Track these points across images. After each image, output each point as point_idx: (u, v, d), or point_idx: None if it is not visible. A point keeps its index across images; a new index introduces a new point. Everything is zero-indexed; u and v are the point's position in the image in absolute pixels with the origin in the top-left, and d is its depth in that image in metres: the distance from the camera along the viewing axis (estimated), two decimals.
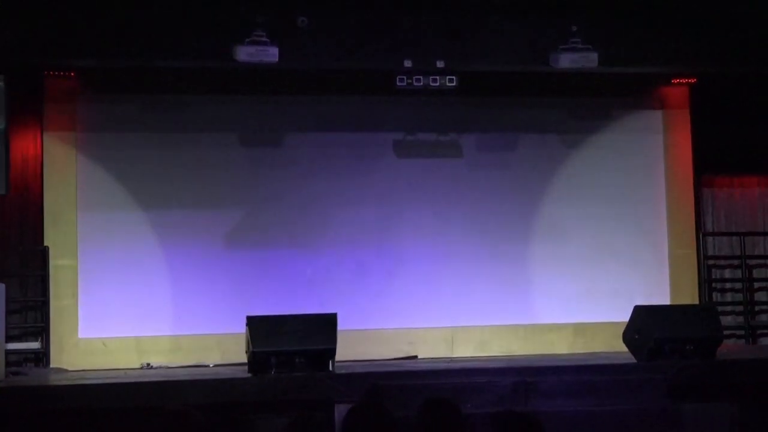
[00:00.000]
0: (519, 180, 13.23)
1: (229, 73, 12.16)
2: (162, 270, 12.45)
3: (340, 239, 12.82)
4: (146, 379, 10.07)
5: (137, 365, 12.01)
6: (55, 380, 10.67)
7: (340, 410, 8.71)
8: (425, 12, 11.88)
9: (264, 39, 11.23)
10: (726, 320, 13.03)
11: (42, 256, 12.14)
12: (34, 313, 12.21)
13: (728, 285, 13.80)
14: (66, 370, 11.74)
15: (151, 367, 11.92)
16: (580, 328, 13.08)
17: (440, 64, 11.93)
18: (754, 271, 13.80)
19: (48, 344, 12.02)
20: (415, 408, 5.48)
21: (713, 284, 13.68)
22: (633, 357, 10.70)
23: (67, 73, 12.20)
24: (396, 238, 12.95)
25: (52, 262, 12.12)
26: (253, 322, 10.14)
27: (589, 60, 11.78)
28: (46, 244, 12.14)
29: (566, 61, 11.80)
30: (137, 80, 12.36)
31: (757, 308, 13.83)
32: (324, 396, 9.29)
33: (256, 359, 9.98)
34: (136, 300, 12.26)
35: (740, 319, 13.65)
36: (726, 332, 12.14)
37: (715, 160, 13.49)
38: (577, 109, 13.48)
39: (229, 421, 8.86)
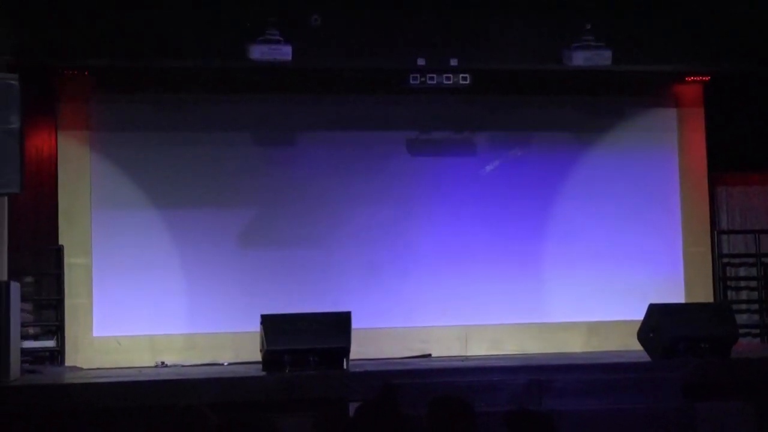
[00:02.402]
0: (532, 178, 13.20)
1: (242, 72, 12.17)
2: (176, 268, 12.47)
3: (354, 238, 12.83)
4: (160, 378, 10.09)
5: (152, 364, 12.03)
6: (70, 379, 10.70)
7: (354, 408, 8.71)
8: (438, 10, 11.87)
9: (277, 38, 11.25)
10: (741, 318, 12.99)
11: (56, 255, 12.17)
12: (48, 311, 12.24)
13: (743, 283, 13.76)
14: (81, 369, 11.78)
15: (166, 366, 11.95)
16: (593, 327, 13.06)
17: (453, 62, 11.93)
18: None
19: (63, 343, 12.06)
20: (428, 406, 5.48)
21: (728, 282, 13.64)
22: (647, 355, 10.68)
23: (80, 73, 12.23)
24: (409, 237, 12.95)
25: (67, 261, 12.16)
26: (267, 320, 10.16)
27: (603, 58, 11.76)
28: (60, 242, 12.18)
29: (580, 59, 11.78)
30: (150, 79, 12.38)
31: None
32: (338, 394, 9.29)
33: (270, 358, 9.99)
34: (150, 298, 12.29)
35: (755, 317, 13.61)
36: (741, 330, 12.12)
37: (729, 158, 13.45)
38: (590, 108, 13.45)
39: (243, 420, 8.86)
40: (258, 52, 11.22)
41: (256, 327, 10.30)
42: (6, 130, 9.67)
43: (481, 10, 11.94)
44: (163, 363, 12.03)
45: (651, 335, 10.67)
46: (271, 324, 10.13)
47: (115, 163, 12.44)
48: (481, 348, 12.77)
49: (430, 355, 12.59)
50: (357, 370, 10.07)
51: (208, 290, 12.44)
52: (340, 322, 10.16)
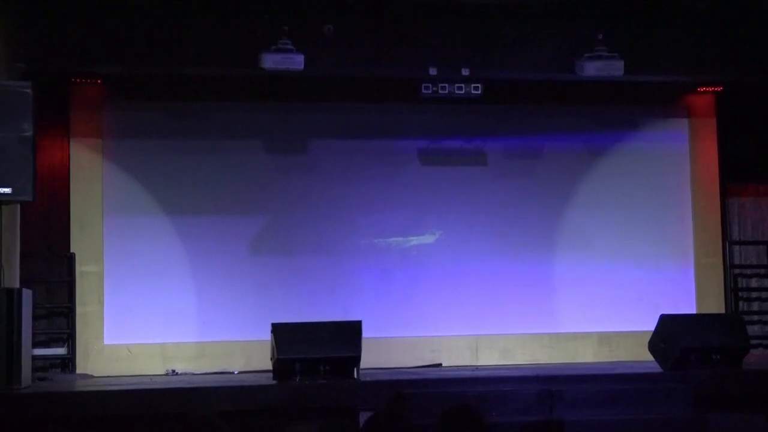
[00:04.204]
0: (544, 188, 13.19)
1: (254, 80, 12.20)
2: (187, 276, 12.48)
3: (365, 246, 12.83)
4: (171, 386, 10.09)
5: (162, 372, 12.05)
6: (81, 386, 10.71)
7: (365, 418, 8.70)
8: (450, 20, 11.88)
9: (290, 47, 11.27)
10: (752, 329, 12.95)
11: (68, 263, 12.19)
12: (60, 319, 12.26)
13: (755, 294, 13.73)
14: (91, 377, 11.79)
15: (176, 374, 11.96)
16: (604, 337, 13.03)
17: (465, 71, 11.92)
18: None
19: (74, 350, 12.07)
20: (439, 416, 5.46)
21: (739, 293, 13.60)
22: (658, 366, 10.65)
23: (93, 81, 12.27)
24: (420, 246, 12.94)
25: (78, 268, 12.18)
26: (278, 329, 10.15)
27: (615, 68, 11.74)
28: (72, 250, 12.20)
29: (592, 69, 11.77)
30: (163, 87, 12.42)
31: None
32: (348, 403, 9.29)
33: (280, 366, 9.98)
34: (161, 306, 12.30)
35: (767, 328, 13.57)
36: (753, 341, 12.05)
37: (741, 169, 13.42)
38: (602, 117, 13.45)
39: (254, 429, 8.88)
40: (270, 60, 11.23)
41: (267, 335, 10.29)
42: (19, 137, 9.69)
43: (493, 19, 11.93)
44: (173, 371, 12.05)
45: (662, 346, 10.65)
46: (282, 332, 10.12)
47: (127, 170, 12.47)
48: (491, 358, 12.77)
49: (440, 364, 12.58)
50: (368, 379, 10.05)
51: (219, 298, 12.45)
52: (351, 331, 10.15)
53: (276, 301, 12.33)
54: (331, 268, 12.73)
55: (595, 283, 13.09)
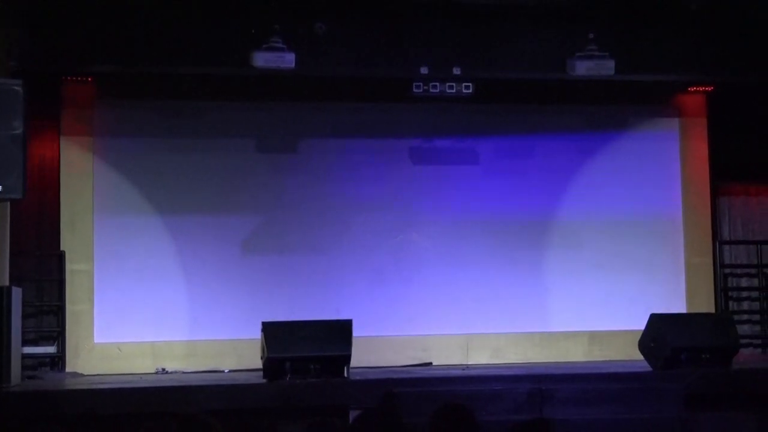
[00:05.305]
0: (535, 187, 13.20)
1: (246, 79, 12.18)
2: (178, 275, 12.46)
3: (356, 245, 12.82)
4: (161, 385, 10.08)
5: (152, 370, 12.03)
6: (71, 384, 10.70)
7: (355, 417, 8.69)
8: (442, 19, 11.87)
9: (281, 45, 11.26)
10: (742, 329, 12.97)
11: (58, 261, 12.17)
12: (49, 317, 12.23)
13: (745, 294, 13.75)
14: (81, 375, 11.77)
15: (167, 372, 11.94)
16: (595, 336, 13.04)
17: (457, 70, 11.93)
18: None
19: (64, 349, 12.05)
20: (430, 415, 5.47)
21: (730, 293, 13.62)
22: (649, 365, 10.66)
23: (84, 79, 12.25)
24: (412, 245, 12.94)
25: (69, 267, 12.16)
26: (268, 327, 10.15)
27: (606, 67, 11.75)
28: (62, 248, 12.18)
29: (583, 68, 11.77)
30: (154, 86, 12.40)
31: None
32: (339, 402, 9.29)
33: (271, 365, 9.98)
34: (151, 305, 12.28)
35: (757, 328, 13.60)
36: (742, 341, 12.09)
37: (731, 169, 13.44)
38: (593, 117, 13.46)
39: (243, 427, 8.85)
40: (262, 59, 11.22)
41: (257, 334, 10.29)
42: (9, 135, 9.67)
43: (485, 18, 11.93)
44: (163, 369, 12.03)
45: (652, 345, 10.67)
46: (272, 331, 10.12)
47: (117, 169, 12.45)
48: (482, 357, 12.77)
49: (431, 363, 12.57)
50: (358, 378, 10.06)
51: (209, 297, 12.43)
52: (342, 330, 10.16)
53: (267, 300, 12.32)
54: (322, 267, 12.72)
55: (586, 282, 13.11)
